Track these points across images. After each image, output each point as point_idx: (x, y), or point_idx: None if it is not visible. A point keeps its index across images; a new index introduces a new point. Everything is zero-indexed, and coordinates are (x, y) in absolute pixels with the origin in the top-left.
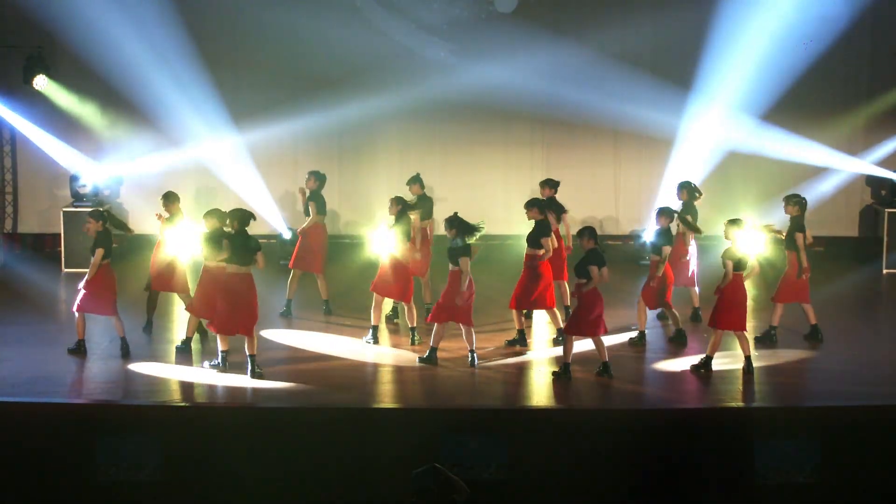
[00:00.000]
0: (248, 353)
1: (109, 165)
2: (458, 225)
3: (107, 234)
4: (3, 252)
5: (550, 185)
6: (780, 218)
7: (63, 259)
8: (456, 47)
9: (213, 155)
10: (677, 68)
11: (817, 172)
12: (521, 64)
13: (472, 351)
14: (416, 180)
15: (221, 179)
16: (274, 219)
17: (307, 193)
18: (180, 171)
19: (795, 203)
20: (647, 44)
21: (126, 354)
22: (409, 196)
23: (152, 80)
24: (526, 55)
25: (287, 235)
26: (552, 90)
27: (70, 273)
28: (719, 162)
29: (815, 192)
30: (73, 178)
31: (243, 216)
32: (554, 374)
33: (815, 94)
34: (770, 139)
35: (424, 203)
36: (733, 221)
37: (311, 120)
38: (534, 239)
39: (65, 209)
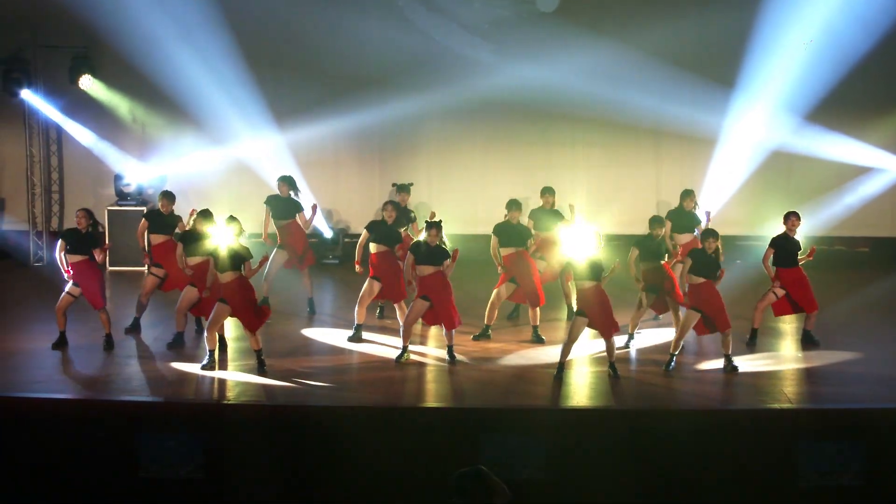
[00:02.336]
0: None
1: (153, 164)
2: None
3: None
4: (48, 249)
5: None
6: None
7: (107, 257)
8: (497, 47)
9: (255, 154)
10: (720, 67)
11: (862, 172)
12: (562, 63)
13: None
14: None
15: (263, 178)
16: (316, 218)
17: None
18: (222, 170)
19: None
20: (689, 42)
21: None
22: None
23: (195, 79)
24: (567, 54)
25: (329, 234)
26: (593, 89)
27: (114, 271)
28: (762, 162)
29: (859, 193)
30: (118, 177)
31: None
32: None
33: (860, 93)
34: (814, 139)
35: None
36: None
37: (352, 119)
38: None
39: (109, 208)
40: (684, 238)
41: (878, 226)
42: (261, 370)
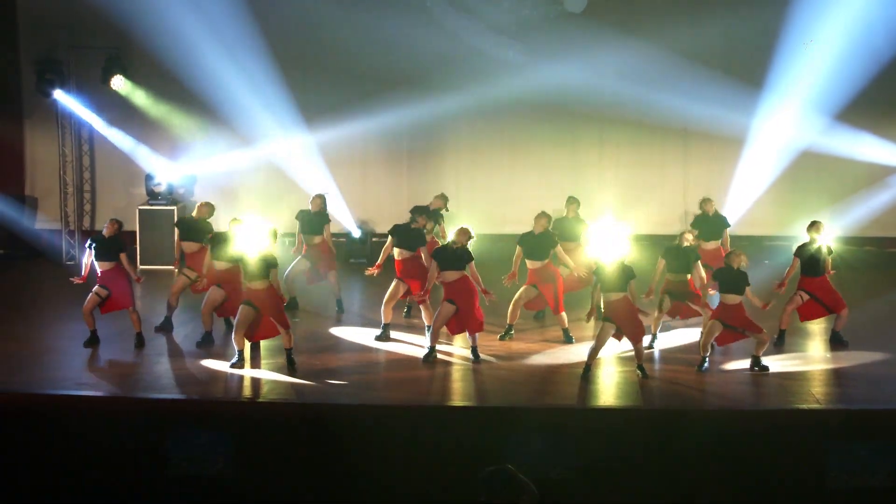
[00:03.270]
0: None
1: (184, 164)
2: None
3: None
4: (79, 248)
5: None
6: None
7: (138, 256)
8: (525, 47)
9: (285, 154)
10: (749, 67)
11: (892, 172)
12: (591, 63)
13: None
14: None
15: (293, 178)
16: (344, 218)
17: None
18: (252, 169)
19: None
20: (718, 42)
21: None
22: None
23: (225, 80)
24: (594, 55)
25: (357, 234)
26: (621, 89)
27: (144, 270)
28: (791, 161)
29: (889, 193)
30: (149, 177)
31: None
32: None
33: (890, 92)
34: (844, 139)
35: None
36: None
37: (380, 119)
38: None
39: (140, 207)
40: (711, 245)
41: (894, 228)
42: (291, 368)
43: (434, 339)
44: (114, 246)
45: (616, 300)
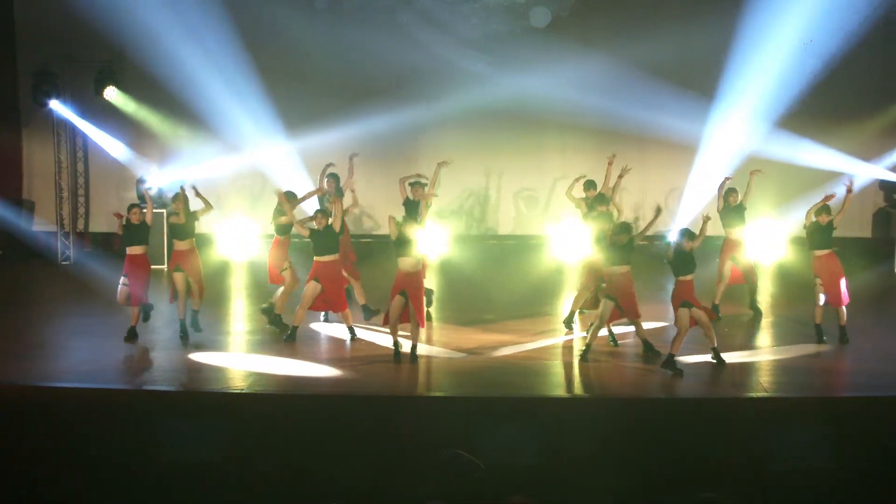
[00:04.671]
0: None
1: (173, 169)
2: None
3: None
4: (74, 249)
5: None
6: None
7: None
8: (493, 59)
9: (268, 160)
10: (700, 78)
11: (832, 177)
12: (554, 75)
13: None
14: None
15: (275, 183)
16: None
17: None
18: (237, 175)
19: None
20: (671, 56)
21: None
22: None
23: (212, 90)
24: (558, 66)
25: None
26: (583, 99)
27: None
28: (739, 166)
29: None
30: (139, 181)
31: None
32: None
33: (831, 102)
34: (787, 145)
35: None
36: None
37: (358, 127)
38: None
39: None
40: (735, 233)
41: (846, 227)
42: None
43: (394, 334)
44: (141, 232)
45: (622, 273)
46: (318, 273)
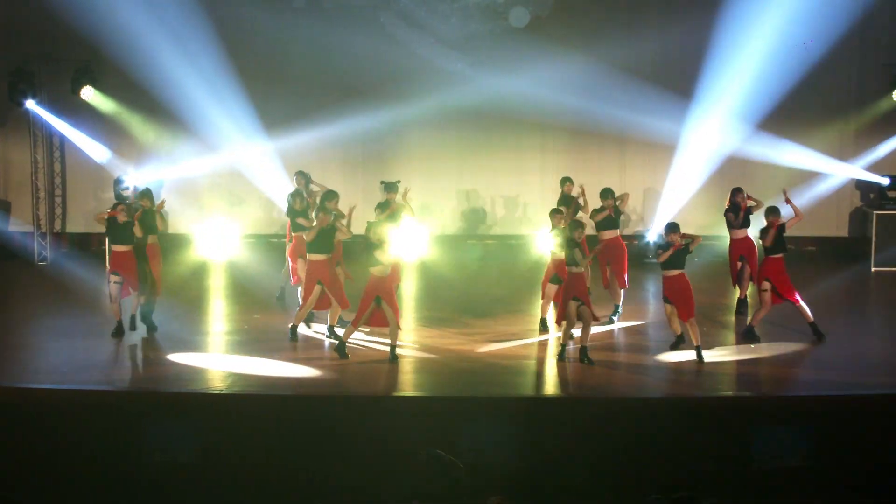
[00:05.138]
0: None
1: (151, 170)
2: None
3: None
4: (51, 250)
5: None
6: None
7: (108, 258)
8: (472, 60)
9: (247, 160)
10: (679, 79)
11: (810, 176)
12: (533, 75)
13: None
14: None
15: (254, 183)
16: None
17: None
18: (215, 174)
19: None
20: (650, 56)
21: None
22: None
23: (190, 90)
24: (537, 67)
25: None
26: (562, 99)
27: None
28: (718, 167)
29: (807, 195)
30: (117, 182)
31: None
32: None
33: (808, 103)
34: (765, 145)
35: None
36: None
37: (337, 128)
38: None
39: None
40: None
41: (824, 226)
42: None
43: (347, 336)
44: (127, 230)
45: (576, 273)
46: (317, 273)
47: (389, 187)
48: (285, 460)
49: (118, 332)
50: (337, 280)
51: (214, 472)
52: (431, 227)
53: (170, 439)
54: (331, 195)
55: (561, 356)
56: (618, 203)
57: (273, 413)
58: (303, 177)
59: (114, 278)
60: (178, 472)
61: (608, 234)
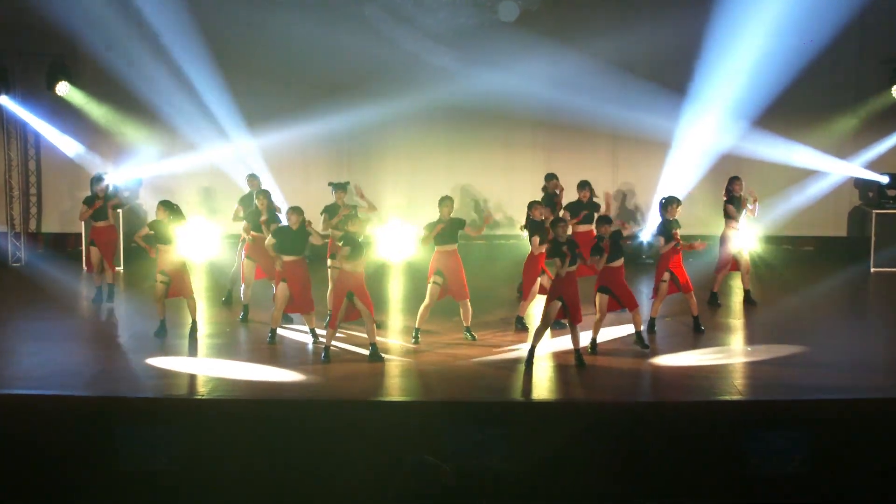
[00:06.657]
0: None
1: (129, 168)
2: None
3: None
4: (25, 250)
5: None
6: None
7: (84, 258)
8: (461, 55)
9: (228, 158)
10: (673, 75)
11: (807, 175)
12: (523, 70)
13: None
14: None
15: (235, 182)
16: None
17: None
18: (196, 173)
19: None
20: (643, 52)
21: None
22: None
23: (169, 86)
24: (527, 62)
25: None
26: (552, 96)
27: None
28: (713, 165)
29: (805, 194)
30: (97, 179)
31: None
32: None
33: (806, 100)
34: (761, 143)
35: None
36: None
37: (321, 124)
38: None
39: None
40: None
41: (821, 225)
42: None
43: (329, 339)
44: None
45: (569, 272)
46: (285, 273)
47: (338, 187)
48: (267, 467)
49: (161, 332)
50: (307, 283)
51: (195, 480)
52: (418, 227)
53: (148, 446)
54: (296, 210)
55: (528, 362)
56: (595, 199)
57: (255, 419)
58: (254, 178)
59: (160, 277)
60: (158, 479)
61: (582, 228)
